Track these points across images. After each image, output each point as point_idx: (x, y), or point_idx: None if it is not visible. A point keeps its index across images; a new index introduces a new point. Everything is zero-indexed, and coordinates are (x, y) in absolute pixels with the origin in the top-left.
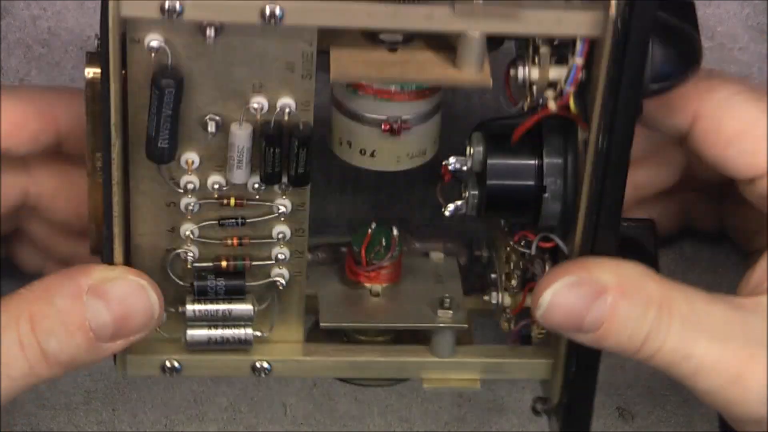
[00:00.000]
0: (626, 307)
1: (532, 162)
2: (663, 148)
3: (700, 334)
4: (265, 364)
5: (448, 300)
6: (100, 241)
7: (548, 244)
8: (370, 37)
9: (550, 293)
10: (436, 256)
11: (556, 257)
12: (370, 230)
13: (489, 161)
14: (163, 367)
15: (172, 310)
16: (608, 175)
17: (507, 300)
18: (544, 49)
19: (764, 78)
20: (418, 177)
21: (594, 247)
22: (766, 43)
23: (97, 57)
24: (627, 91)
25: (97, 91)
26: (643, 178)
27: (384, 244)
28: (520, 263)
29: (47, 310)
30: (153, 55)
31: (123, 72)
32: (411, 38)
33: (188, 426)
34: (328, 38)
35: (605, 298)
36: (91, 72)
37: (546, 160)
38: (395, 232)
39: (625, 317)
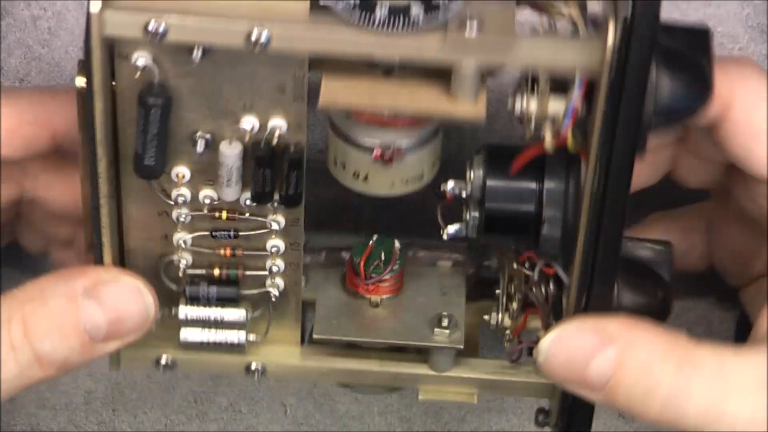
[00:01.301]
0: (636, 357)
1: (533, 186)
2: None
3: (731, 390)
4: (260, 366)
5: (446, 319)
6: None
7: (551, 270)
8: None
9: (551, 338)
10: (443, 264)
11: (559, 285)
12: (371, 243)
13: (488, 183)
14: (158, 363)
15: (165, 311)
16: (605, 214)
17: (507, 321)
18: (543, 82)
19: None
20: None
21: (592, 282)
22: (766, 43)
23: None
24: (625, 128)
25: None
26: None
27: (384, 258)
28: (522, 287)
29: (41, 311)
30: (139, 73)
31: (113, 84)
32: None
33: (188, 426)
34: (321, 60)
35: (611, 348)
36: (82, 81)
37: (547, 186)
38: (397, 245)
39: (635, 369)
